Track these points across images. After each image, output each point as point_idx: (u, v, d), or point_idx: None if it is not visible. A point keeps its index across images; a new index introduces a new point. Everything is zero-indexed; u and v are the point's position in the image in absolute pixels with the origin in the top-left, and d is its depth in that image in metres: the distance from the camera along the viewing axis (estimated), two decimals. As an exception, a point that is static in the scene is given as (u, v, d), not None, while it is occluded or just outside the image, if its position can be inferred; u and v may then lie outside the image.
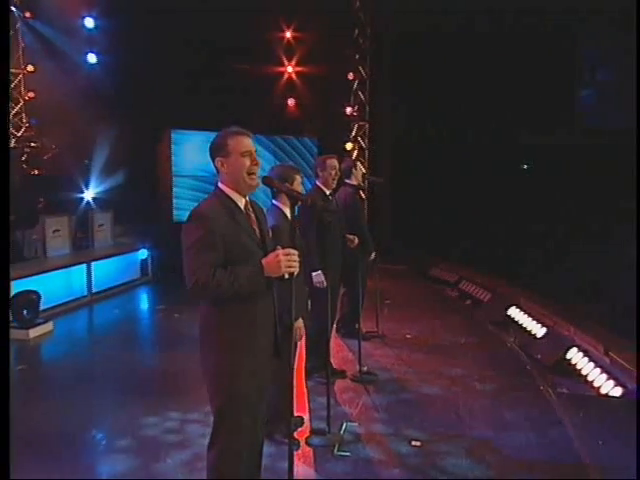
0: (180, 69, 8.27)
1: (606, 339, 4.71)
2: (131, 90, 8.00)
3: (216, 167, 2.27)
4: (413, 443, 3.30)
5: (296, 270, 2.22)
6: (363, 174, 4.97)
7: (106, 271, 7.22)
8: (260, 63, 9.25)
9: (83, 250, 7.49)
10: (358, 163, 4.98)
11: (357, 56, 9.79)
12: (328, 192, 4.11)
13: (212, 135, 8.28)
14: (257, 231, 2.29)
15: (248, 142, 2.23)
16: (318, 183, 4.09)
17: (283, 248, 2.23)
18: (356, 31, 9.71)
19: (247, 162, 2.21)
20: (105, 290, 7.20)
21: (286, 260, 2.16)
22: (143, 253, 8.12)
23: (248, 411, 2.26)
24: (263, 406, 2.41)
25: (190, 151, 8.73)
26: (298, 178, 3.17)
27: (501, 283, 6.89)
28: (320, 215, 3.62)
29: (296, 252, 2.20)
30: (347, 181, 4.78)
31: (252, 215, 2.31)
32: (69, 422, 3.55)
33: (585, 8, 9.30)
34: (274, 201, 3.17)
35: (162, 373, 4.48)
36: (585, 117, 11.71)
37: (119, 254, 7.68)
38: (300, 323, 2.88)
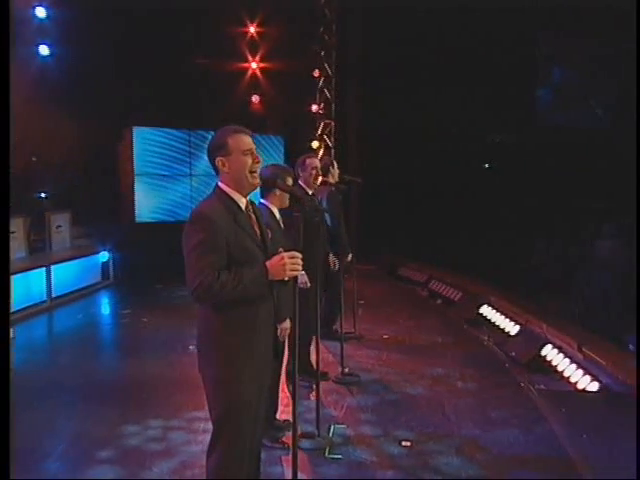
0: (141, 64, 8.12)
1: (577, 335, 4.90)
2: (88, 85, 7.79)
3: (215, 167, 2.26)
4: (403, 444, 3.36)
5: (299, 273, 2.24)
6: (340, 173, 5.02)
7: (65, 275, 7.02)
8: (223, 59, 9.18)
9: (39, 253, 7.26)
10: (335, 162, 5.01)
11: (322, 53, 9.82)
12: (310, 192, 4.13)
13: (175, 133, 8.27)
14: (258, 232, 2.30)
15: (248, 140, 2.24)
16: (300, 183, 4.11)
17: (275, 248, 2.25)
18: (321, 28, 9.75)
19: (249, 161, 2.22)
20: (65, 295, 7.00)
21: (291, 263, 2.18)
22: (104, 256, 7.95)
23: (249, 416, 2.26)
24: (262, 410, 2.42)
25: (152, 149, 8.59)
26: (289, 179, 3.19)
27: (470, 282, 7.06)
28: (310, 215, 3.65)
29: (300, 255, 2.22)
30: (324, 179, 4.81)
31: (252, 215, 2.31)
32: (43, 435, 3.45)
33: (543, 6, 9.63)
34: (263, 200, 3.18)
35: (136, 380, 4.40)
36: (542, 116, 12.13)
37: (78, 257, 7.49)
38: (287, 324, 2.90)
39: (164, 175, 8.77)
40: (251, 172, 2.24)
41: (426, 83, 9.90)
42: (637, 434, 2.98)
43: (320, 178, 4.21)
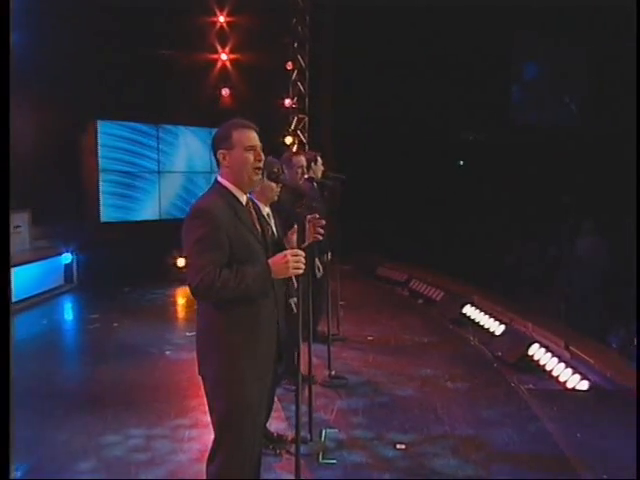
0: (105, 54, 7.99)
1: (563, 334, 5.05)
2: (49, 75, 7.62)
3: (217, 160, 2.28)
4: (398, 446, 3.41)
5: (302, 271, 2.27)
6: (323, 170, 5.05)
7: (25, 279, 6.86)
8: (191, 50, 9.09)
9: (-3, 255, 7.05)
10: (319, 157, 5.03)
11: (296, 44, 9.83)
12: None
13: (142, 127, 8.19)
14: (259, 229, 2.32)
15: (253, 136, 2.26)
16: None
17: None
18: (294, 18, 9.76)
19: (251, 157, 2.24)
20: (25, 300, 6.85)
21: (294, 261, 2.21)
22: (67, 257, 7.80)
23: (252, 420, 2.28)
24: (264, 413, 2.44)
25: (118, 145, 8.47)
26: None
27: (451, 281, 7.19)
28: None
29: (303, 253, 2.25)
30: (308, 175, 4.82)
31: (253, 212, 2.33)
32: (15, 449, 3.36)
33: (517, 5, 9.88)
34: (248, 194, 3.18)
35: (112, 388, 4.35)
36: (514, 114, 12.45)
37: (39, 259, 7.33)
38: None
39: (130, 172, 8.65)
40: (253, 169, 2.25)
41: (400, 79, 10.04)
42: (637, 434, 3.10)
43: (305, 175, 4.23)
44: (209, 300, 2.18)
